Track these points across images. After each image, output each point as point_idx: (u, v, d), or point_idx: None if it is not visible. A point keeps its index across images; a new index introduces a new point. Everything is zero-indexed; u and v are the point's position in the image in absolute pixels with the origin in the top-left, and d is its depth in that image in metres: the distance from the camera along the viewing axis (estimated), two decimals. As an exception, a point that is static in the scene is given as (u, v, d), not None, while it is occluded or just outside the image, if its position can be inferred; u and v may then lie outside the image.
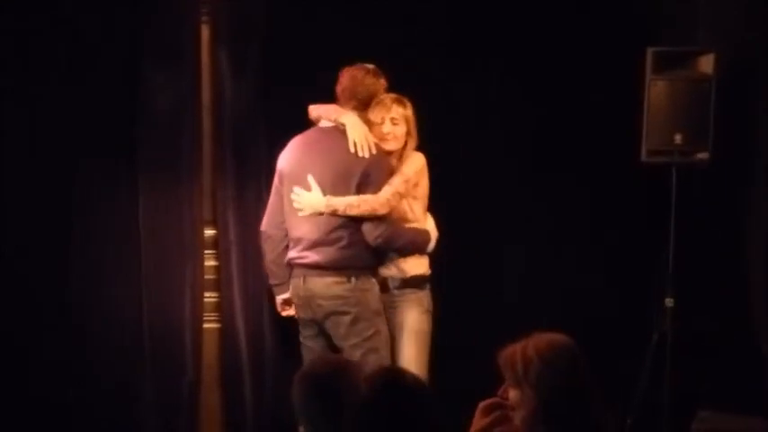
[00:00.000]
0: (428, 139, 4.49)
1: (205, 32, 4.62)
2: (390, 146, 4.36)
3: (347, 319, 4.23)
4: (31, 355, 4.78)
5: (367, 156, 4.23)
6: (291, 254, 4.35)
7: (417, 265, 4.39)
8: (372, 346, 4.21)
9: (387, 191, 4.26)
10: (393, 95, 4.39)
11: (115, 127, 4.85)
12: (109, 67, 4.81)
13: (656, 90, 4.69)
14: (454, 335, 4.58)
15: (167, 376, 4.89)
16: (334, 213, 4.23)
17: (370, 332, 4.22)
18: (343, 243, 4.24)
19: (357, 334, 4.22)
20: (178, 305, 4.90)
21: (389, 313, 4.36)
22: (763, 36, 4.74)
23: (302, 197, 4.29)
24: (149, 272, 4.89)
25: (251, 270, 4.96)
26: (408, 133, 4.38)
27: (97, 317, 4.86)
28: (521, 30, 4.99)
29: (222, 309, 4.79)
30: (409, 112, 4.38)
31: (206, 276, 4.75)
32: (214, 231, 4.77)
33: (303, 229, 4.32)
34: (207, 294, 4.74)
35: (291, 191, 4.35)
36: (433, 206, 4.52)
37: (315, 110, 4.45)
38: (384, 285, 4.37)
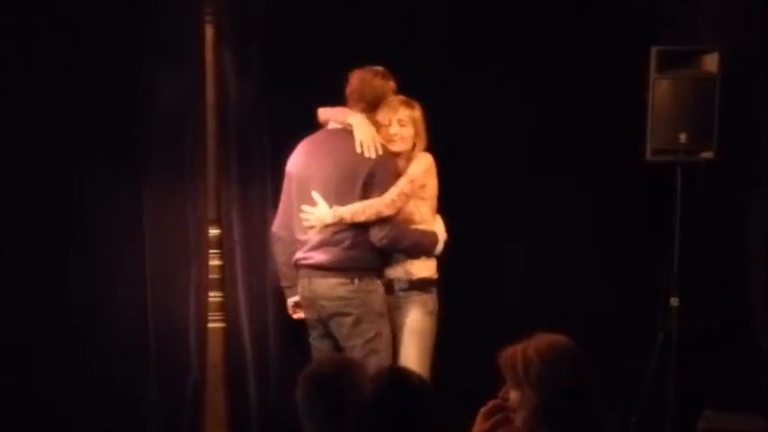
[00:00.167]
0: (429, 139, 4.47)
1: (209, 32, 4.61)
2: (397, 147, 4.33)
3: (349, 320, 4.22)
4: (35, 354, 4.79)
5: (373, 156, 4.22)
6: (298, 255, 4.35)
7: (424, 268, 4.36)
8: (373, 348, 4.20)
9: (392, 192, 4.24)
10: (401, 97, 4.37)
11: (119, 127, 4.85)
12: (112, 67, 4.81)
13: (661, 89, 4.69)
14: (457, 335, 4.57)
15: (172, 376, 4.90)
16: (342, 222, 4.22)
17: (371, 334, 4.21)
18: (347, 244, 4.23)
19: (359, 335, 4.21)
20: (182, 305, 4.90)
21: (394, 314, 4.34)
22: (764, 35, 4.73)
23: (310, 214, 4.27)
24: (154, 271, 4.90)
25: (255, 269, 4.97)
26: (416, 135, 4.35)
27: (101, 317, 4.87)
28: (523, 29, 4.98)
29: (227, 308, 4.79)
30: (417, 113, 4.35)
31: (210, 276, 4.74)
32: (218, 231, 4.77)
33: (309, 231, 4.32)
34: (211, 294, 4.74)
35: (300, 192, 4.34)
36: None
37: (323, 112, 4.44)
38: (390, 287, 4.34)
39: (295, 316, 4.51)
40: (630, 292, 4.95)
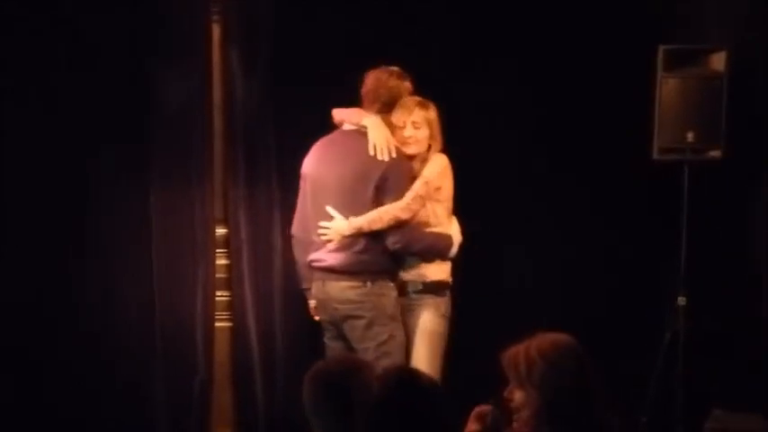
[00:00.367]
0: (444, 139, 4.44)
1: (216, 31, 4.61)
2: (411, 150, 4.27)
3: (362, 323, 4.19)
4: (42, 354, 4.80)
5: (386, 159, 4.17)
6: (311, 256, 4.32)
7: (438, 271, 4.31)
8: (386, 351, 4.16)
9: (408, 195, 4.18)
10: (416, 98, 4.31)
11: (126, 126, 4.86)
12: (119, 67, 4.82)
13: (668, 88, 4.68)
14: (460, 335, 4.55)
15: (179, 375, 4.91)
16: (360, 232, 4.18)
17: (384, 337, 4.18)
18: (360, 247, 4.19)
19: (371, 338, 4.18)
20: (189, 304, 4.91)
21: (406, 316, 4.29)
22: (765, 34, 4.74)
23: (328, 228, 4.22)
24: (161, 271, 4.90)
25: (262, 269, 4.98)
26: (431, 136, 4.28)
27: (109, 316, 4.87)
28: (529, 29, 4.97)
29: (234, 307, 4.79)
30: (432, 114, 4.29)
31: (217, 275, 4.74)
32: (225, 230, 4.77)
33: (328, 244, 4.27)
34: (218, 293, 4.74)
35: (314, 194, 4.30)
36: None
37: (338, 113, 4.40)
38: (403, 289, 4.30)
39: (317, 318, 4.45)
40: (638, 292, 4.95)
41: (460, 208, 4.45)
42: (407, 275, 4.29)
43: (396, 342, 4.20)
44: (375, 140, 4.19)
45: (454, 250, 4.32)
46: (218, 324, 4.76)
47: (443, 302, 4.32)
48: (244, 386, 4.91)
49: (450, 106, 4.45)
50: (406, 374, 2.77)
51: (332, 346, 4.34)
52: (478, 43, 4.94)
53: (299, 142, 4.86)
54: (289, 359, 4.94)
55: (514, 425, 2.81)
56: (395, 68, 4.34)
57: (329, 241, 4.23)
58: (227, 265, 4.75)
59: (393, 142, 4.21)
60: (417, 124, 4.27)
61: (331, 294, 4.25)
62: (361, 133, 4.25)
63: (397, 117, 4.27)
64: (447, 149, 4.36)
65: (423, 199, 4.23)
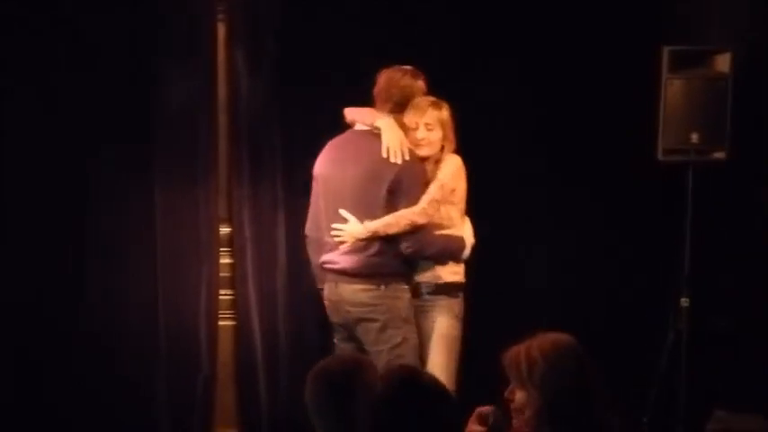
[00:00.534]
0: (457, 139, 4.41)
1: (221, 31, 4.61)
2: (424, 152, 4.20)
3: (376, 326, 4.14)
4: (46, 353, 4.81)
5: (399, 162, 4.10)
6: (324, 257, 4.27)
7: (452, 273, 4.26)
8: (399, 354, 4.10)
9: (423, 200, 4.13)
10: (429, 98, 4.24)
11: (130, 125, 4.87)
12: (123, 66, 4.83)
13: (673, 89, 4.68)
14: (464, 334, 4.55)
15: (182, 373, 4.91)
16: (376, 235, 4.13)
17: (397, 340, 4.13)
18: (374, 250, 4.14)
19: (385, 341, 4.13)
20: (193, 303, 4.92)
21: (420, 318, 4.24)
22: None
23: (342, 231, 4.17)
24: (165, 269, 4.91)
25: (266, 268, 4.98)
26: (445, 137, 4.22)
27: (112, 315, 4.88)
28: (534, 30, 4.97)
29: (237, 306, 4.80)
30: (445, 114, 4.22)
31: (221, 274, 4.75)
32: (229, 229, 4.78)
33: (341, 246, 4.22)
34: (222, 292, 4.75)
35: (326, 195, 4.25)
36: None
37: (350, 113, 4.34)
38: (416, 290, 4.24)
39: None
40: (641, 292, 4.95)
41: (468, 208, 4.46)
42: (421, 277, 4.24)
43: (409, 345, 4.15)
44: (389, 143, 4.13)
45: (467, 252, 4.28)
46: (221, 323, 4.77)
47: (457, 303, 4.27)
48: (247, 385, 4.92)
49: (452, 106, 4.44)
50: (409, 374, 2.77)
51: (342, 347, 4.29)
52: (480, 44, 4.95)
53: (304, 141, 4.87)
54: (292, 358, 4.95)
55: (514, 423, 2.82)
56: (408, 67, 4.27)
57: (342, 243, 4.18)
58: (230, 264, 4.76)
59: (407, 144, 4.15)
60: (430, 126, 4.20)
61: (343, 296, 4.20)
62: (374, 134, 4.19)
63: (410, 118, 4.21)
64: (459, 149, 4.32)
65: (438, 203, 4.18)
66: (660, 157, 4.72)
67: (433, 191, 4.17)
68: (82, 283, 4.85)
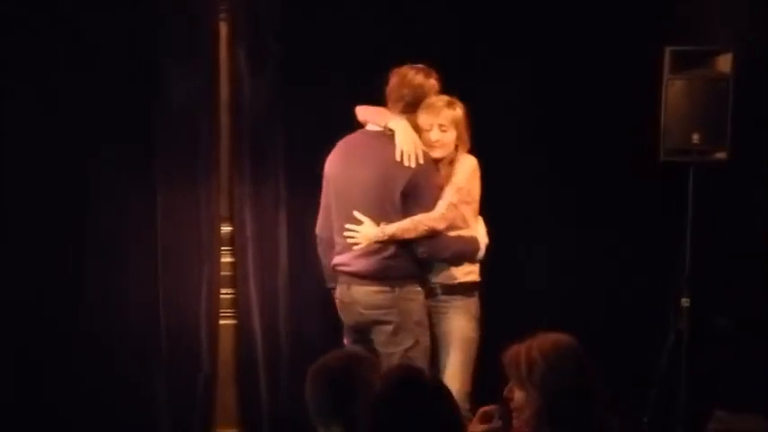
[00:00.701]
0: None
1: (223, 30, 4.61)
2: (438, 154, 4.14)
3: (389, 328, 4.09)
4: (47, 352, 4.82)
5: (413, 166, 4.04)
6: (336, 259, 4.22)
7: (467, 272, 4.22)
8: (410, 357, 4.04)
9: (441, 205, 4.08)
10: (444, 98, 4.17)
11: (132, 124, 4.88)
12: (125, 65, 4.83)
13: (674, 89, 4.68)
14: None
15: (183, 372, 4.92)
16: (393, 239, 4.08)
17: (409, 343, 4.09)
18: (389, 253, 4.09)
19: (397, 344, 4.08)
20: (194, 301, 4.93)
21: (437, 319, 4.20)
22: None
23: (356, 232, 4.12)
24: (166, 268, 4.92)
25: (267, 267, 4.98)
26: (459, 137, 4.16)
27: (114, 313, 4.90)
28: (536, 30, 4.97)
29: (238, 305, 4.80)
30: (459, 114, 4.15)
31: (222, 273, 4.75)
32: (231, 228, 4.78)
33: (354, 247, 4.17)
34: (223, 291, 4.74)
35: (338, 197, 4.21)
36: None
37: (362, 113, 4.27)
38: (432, 291, 4.19)
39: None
40: (642, 292, 4.95)
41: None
42: (436, 277, 4.20)
43: (420, 347, 4.11)
44: (402, 146, 4.06)
45: (482, 253, 4.23)
46: (222, 322, 4.76)
47: (473, 303, 4.23)
48: (248, 384, 4.92)
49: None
50: (409, 373, 2.77)
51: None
52: (481, 44, 4.95)
53: (305, 141, 4.89)
54: (293, 357, 4.95)
55: (514, 423, 2.82)
56: (421, 66, 4.20)
57: (354, 244, 4.13)
58: (231, 263, 4.76)
59: (420, 147, 4.08)
60: (444, 127, 4.14)
61: (356, 299, 4.15)
62: (387, 136, 4.11)
63: (423, 119, 4.13)
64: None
65: (456, 207, 4.14)
66: (661, 157, 4.71)
67: (450, 195, 4.13)
68: (82, 283, 4.86)
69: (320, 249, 4.34)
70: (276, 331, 5.01)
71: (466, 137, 4.20)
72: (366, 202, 4.11)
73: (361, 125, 4.26)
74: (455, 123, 4.16)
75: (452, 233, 4.17)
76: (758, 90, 4.86)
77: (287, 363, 4.98)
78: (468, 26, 4.97)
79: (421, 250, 4.10)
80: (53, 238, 4.82)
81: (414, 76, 4.16)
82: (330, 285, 4.34)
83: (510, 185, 4.99)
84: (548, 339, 2.81)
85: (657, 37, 4.76)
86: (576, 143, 5.01)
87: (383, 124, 4.15)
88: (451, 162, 4.19)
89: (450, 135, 4.16)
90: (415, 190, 4.07)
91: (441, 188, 4.15)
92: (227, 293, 4.74)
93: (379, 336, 4.13)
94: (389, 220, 4.08)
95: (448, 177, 4.17)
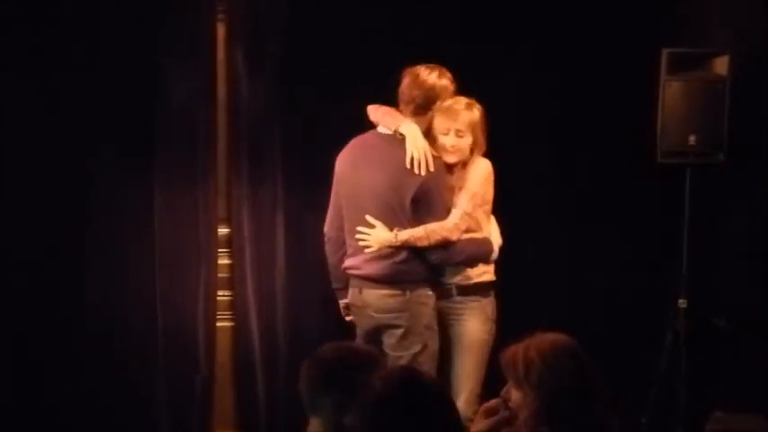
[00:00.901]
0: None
1: (221, 31, 4.62)
2: (452, 159, 4.09)
3: (399, 332, 4.07)
4: (45, 353, 4.81)
5: (423, 173, 3.99)
6: (348, 262, 4.20)
7: (482, 272, 4.19)
8: (418, 361, 4.01)
9: (455, 214, 4.05)
10: (462, 101, 4.11)
11: (130, 126, 4.86)
12: (123, 66, 4.82)
13: (671, 91, 4.69)
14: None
15: (181, 373, 4.91)
16: (405, 245, 4.04)
17: (417, 348, 4.06)
18: (401, 258, 4.06)
19: (406, 348, 4.06)
20: (192, 303, 4.91)
21: (451, 321, 4.18)
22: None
23: (369, 236, 4.08)
24: (163, 270, 4.90)
25: (265, 269, 4.97)
26: (475, 141, 4.10)
27: (111, 315, 4.88)
28: (532, 31, 4.98)
29: (236, 307, 4.79)
30: (477, 117, 4.09)
31: (219, 275, 4.75)
32: (228, 230, 4.77)
33: (366, 250, 4.14)
34: (220, 293, 4.74)
35: (348, 198, 4.18)
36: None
37: (373, 113, 4.18)
38: (447, 292, 4.17)
39: (348, 319, 4.34)
40: (640, 292, 4.96)
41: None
42: (451, 278, 4.16)
43: (428, 351, 4.08)
44: (412, 152, 4.00)
45: (495, 255, 4.20)
46: (219, 324, 4.77)
47: (489, 304, 4.20)
48: (245, 387, 4.91)
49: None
50: (409, 374, 2.77)
51: None
52: (479, 45, 4.94)
53: (303, 142, 4.89)
54: (291, 359, 4.93)
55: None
56: (434, 66, 4.13)
57: (366, 247, 4.10)
58: (229, 265, 4.76)
59: (430, 154, 4.02)
60: (461, 133, 4.08)
61: (368, 302, 4.13)
62: (398, 140, 4.05)
63: (440, 123, 4.07)
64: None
65: (470, 216, 4.10)
66: (659, 159, 4.72)
67: (463, 202, 4.09)
68: (80, 283, 4.85)
69: (328, 248, 4.31)
70: (274, 333, 4.99)
71: (482, 140, 4.15)
72: (377, 207, 4.08)
73: (373, 125, 4.21)
74: (472, 128, 4.10)
75: (465, 236, 4.13)
76: (755, 92, 4.87)
77: (285, 365, 4.96)
78: (465, 27, 4.97)
79: (434, 257, 4.07)
80: (50, 237, 4.81)
81: (426, 76, 4.09)
82: (335, 286, 4.33)
83: (507, 186, 4.98)
84: (545, 339, 2.81)
85: (654, 39, 4.77)
86: (574, 145, 5.02)
87: (393, 128, 4.10)
88: (465, 164, 4.15)
89: (467, 141, 4.11)
90: (426, 196, 4.04)
91: (452, 191, 4.12)
92: (224, 295, 4.75)
93: (389, 339, 4.11)
94: (401, 225, 4.06)
95: (461, 180, 4.13)
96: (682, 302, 4.70)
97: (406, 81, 4.11)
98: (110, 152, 4.84)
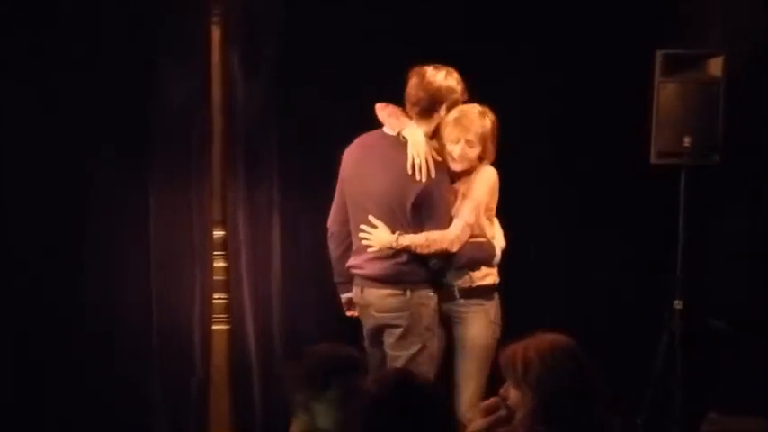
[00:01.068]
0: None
1: (216, 33, 4.60)
2: (458, 168, 4.08)
3: (398, 331, 4.09)
4: (42, 355, 4.81)
5: (425, 180, 4.00)
6: (351, 261, 4.21)
7: (484, 275, 4.18)
8: (417, 362, 4.04)
9: (456, 225, 4.05)
10: (476, 110, 4.08)
11: (125, 127, 4.87)
12: (119, 67, 4.82)
13: (666, 92, 4.69)
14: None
15: (176, 376, 4.91)
16: (406, 250, 4.05)
17: (416, 348, 4.07)
18: (402, 260, 4.07)
19: (404, 348, 4.08)
20: (187, 306, 4.91)
21: (454, 323, 4.18)
22: (763, 40, 4.76)
23: (371, 235, 4.09)
24: (159, 272, 4.92)
25: (260, 271, 4.98)
26: (484, 150, 4.08)
27: (106, 317, 4.89)
28: (527, 33, 4.98)
29: (231, 310, 4.79)
30: (488, 127, 4.06)
31: (215, 277, 4.73)
32: (223, 233, 4.77)
33: (368, 249, 4.16)
34: (216, 296, 4.73)
35: (351, 196, 4.19)
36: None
37: (380, 112, 4.16)
38: (450, 294, 4.16)
39: (348, 314, 4.35)
40: (635, 293, 4.96)
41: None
42: (454, 280, 4.15)
43: (427, 352, 4.09)
44: (414, 157, 3.99)
45: (497, 258, 4.18)
46: (215, 327, 4.75)
47: (492, 306, 4.18)
48: (241, 390, 4.91)
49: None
50: (403, 376, 2.78)
51: (371, 352, 4.21)
52: (477, 45, 4.94)
53: (299, 145, 4.89)
54: (286, 362, 4.94)
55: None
56: (441, 66, 4.09)
57: (369, 246, 4.11)
58: (225, 268, 4.75)
59: (432, 159, 4.01)
60: (471, 143, 4.05)
61: (370, 301, 4.15)
62: (401, 143, 4.05)
63: (451, 132, 4.04)
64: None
65: (471, 228, 4.09)
66: (653, 160, 4.73)
67: (466, 213, 4.08)
68: (76, 285, 4.85)
69: (330, 243, 4.32)
70: (270, 336, 5.00)
71: (492, 150, 4.13)
72: (378, 209, 4.09)
73: (381, 124, 4.20)
74: (483, 139, 4.08)
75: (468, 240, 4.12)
76: (750, 93, 4.88)
77: (281, 368, 4.96)
78: (460, 28, 4.97)
79: (434, 262, 4.08)
80: (45, 238, 4.81)
81: (433, 77, 4.06)
82: (337, 280, 4.34)
83: (506, 186, 4.99)
84: (545, 340, 2.82)
85: (649, 40, 4.78)
86: (568, 146, 5.02)
87: (397, 131, 4.09)
88: (471, 171, 4.13)
89: (475, 151, 4.09)
90: (426, 202, 4.04)
91: (455, 195, 4.11)
92: (220, 298, 4.73)
93: (389, 338, 4.13)
94: (402, 228, 4.06)
95: (466, 186, 4.13)
96: (677, 303, 4.70)
97: (412, 82, 4.09)
98: (105, 154, 4.86)
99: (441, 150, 4.10)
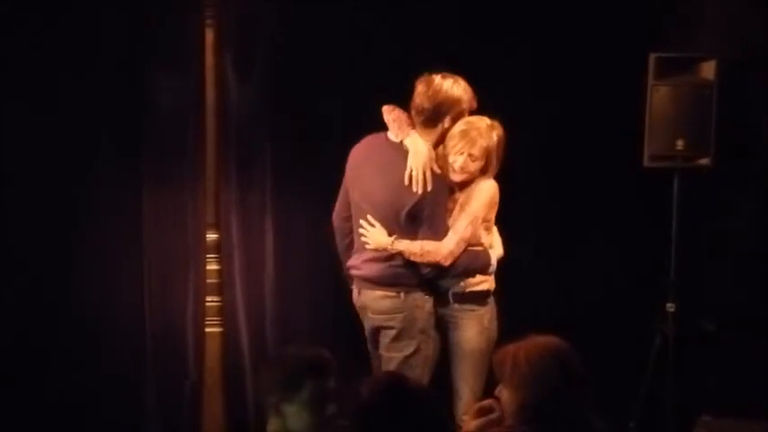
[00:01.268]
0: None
1: (209, 35, 4.60)
2: (458, 178, 4.07)
3: (392, 333, 4.10)
4: (34, 356, 4.80)
5: (420, 192, 3.99)
6: (351, 261, 4.24)
7: (480, 281, 4.16)
8: (410, 364, 4.05)
9: (451, 240, 4.04)
10: (485, 124, 4.06)
11: (119, 130, 4.86)
12: (113, 70, 4.82)
13: (659, 95, 4.70)
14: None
15: (169, 379, 4.91)
16: (400, 254, 4.06)
17: (410, 350, 4.08)
18: (398, 262, 4.08)
19: (398, 349, 4.09)
20: (180, 309, 4.91)
21: (448, 329, 4.18)
22: (764, 40, 4.76)
23: (369, 233, 4.10)
24: (152, 275, 4.91)
25: (254, 274, 4.97)
26: (488, 163, 4.07)
27: (100, 320, 4.87)
28: (521, 37, 4.98)
29: (225, 312, 4.79)
30: (494, 143, 4.04)
31: (208, 280, 4.73)
32: (217, 235, 4.76)
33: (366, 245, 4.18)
34: (209, 298, 4.73)
35: (353, 194, 4.21)
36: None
37: (385, 115, 4.15)
38: (445, 299, 4.15)
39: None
40: (628, 296, 4.97)
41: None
42: (449, 285, 4.14)
43: (421, 355, 4.09)
44: (412, 167, 3.99)
45: (493, 267, 4.17)
46: (208, 329, 4.74)
47: (487, 312, 4.18)
48: (234, 392, 4.90)
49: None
50: (395, 380, 2.79)
51: (373, 354, 4.23)
52: (474, 46, 4.94)
53: (292, 148, 4.89)
54: (259, 365, 4.93)
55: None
56: (449, 75, 4.09)
57: (367, 256, 4.13)
58: (218, 270, 4.75)
59: (430, 171, 3.99)
60: (475, 157, 4.05)
61: (366, 303, 4.17)
62: (404, 150, 4.04)
63: (455, 144, 4.04)
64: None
65: (466, 242, 4.07)
66: (646, 163, 4.74)
67: (461, 228, 4.07)
68: (69, 286, 4.84)
69: (335, 235, 4.35)
70: (263, 338, 5.00)
71: (495, 164, 4.12)
72: (375, 212, 4.12)
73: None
74: (487, 152, 4.07)
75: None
76: (742, 96, 4.89)
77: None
78: (461, 30, 4.97)
79: (427, 270, 4.08)
80: (39, 241, 4.79)
81: (439, 87, 4.04)
82: (345, 271, 4.33)
83: (505, 185, 5.00)
84: (535, 342, 2.86)
85: (642, 43, 4.79)
86: (561, 149, 5.03)
87: (399, 139, 4.09)
88: (471, 182, 4.12)
89: (477, 164, 4.08)
90: (421, 213, 4.04)
91: (453, 204, 4.11)
92: (213, 301, 4.73)
93: (384, 339, 4.15)
94: (397, 233, 4.07)
95: (464, 196, 4.12)
96: (670, 306, 4.71)
97: (418, 90, 4.08)
98: (99, 157, 4.84)
99: (442, 160, 4.09)
